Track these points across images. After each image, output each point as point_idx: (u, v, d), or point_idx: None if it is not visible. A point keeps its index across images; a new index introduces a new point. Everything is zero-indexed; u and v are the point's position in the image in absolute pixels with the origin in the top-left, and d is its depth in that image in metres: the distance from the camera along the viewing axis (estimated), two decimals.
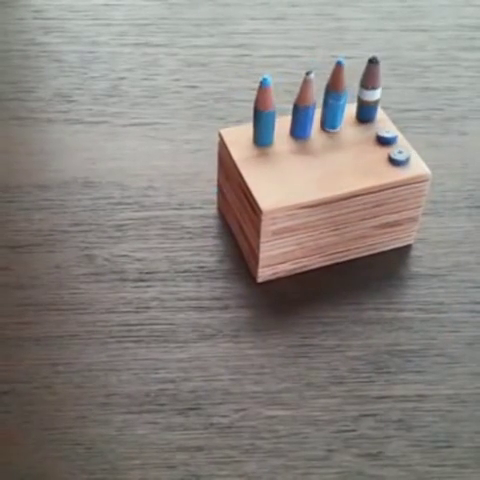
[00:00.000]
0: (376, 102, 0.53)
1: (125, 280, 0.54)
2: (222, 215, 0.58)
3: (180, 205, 0.59)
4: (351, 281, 0.54)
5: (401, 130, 0.64)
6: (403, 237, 0.56)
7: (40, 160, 0.62)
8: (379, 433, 0.47)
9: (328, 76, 0.67)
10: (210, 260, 0.55)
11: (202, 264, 0.55)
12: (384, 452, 0.47)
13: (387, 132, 0.53)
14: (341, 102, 0.52)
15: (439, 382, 0.50)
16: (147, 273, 0.54)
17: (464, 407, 0.49)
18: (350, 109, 0.55)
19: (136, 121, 0.65)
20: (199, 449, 0.46)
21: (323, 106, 0.53)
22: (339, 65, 0.51)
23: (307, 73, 0.50)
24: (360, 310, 0.53)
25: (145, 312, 0.52)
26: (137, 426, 0.47)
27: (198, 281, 0.54)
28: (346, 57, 0.70)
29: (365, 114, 0.54)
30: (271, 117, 0.51)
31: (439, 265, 0.55)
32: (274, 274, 0.54)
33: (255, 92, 0.67)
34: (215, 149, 0.63)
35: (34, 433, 0.47)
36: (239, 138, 0.53)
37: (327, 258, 0.54)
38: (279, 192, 0.50)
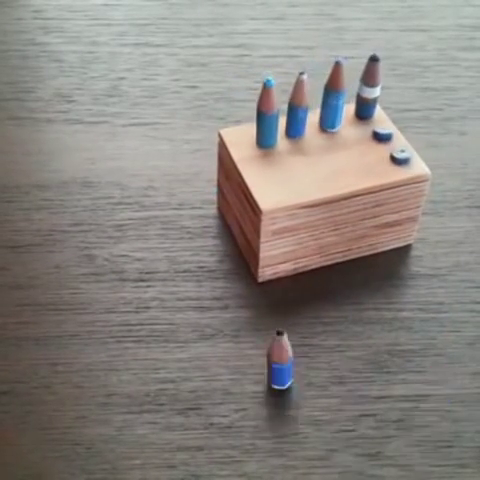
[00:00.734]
0: (375, 99, 0.54)
1: (125, 280, 0.54)
2: (222, 215, 0.58)
3: (180, 205, 0.59)
4: (351, 281, 0.54)
5: (401, 130, 0.64)
6: (403, 237, 0.55)
7: (40, 160, 0.61)
8: (379, 433, 0.47)
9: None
10: (210, 260, 0.55)
11: (202, 264, 0.55)
12: (384, 452, 0.47)
13: (383, 128, 0.53)
14: (340, 102, 0.52)
15: (439, 382, 0.50)
16: (147, 273, 0.54)
17: (464, 407, 0.48)
18: (348, 108, 0.55)
19: (136, 121, 0.65)
20: (199, 449, 0.46)
21: (322, 106, 0.53)
22: (338, 65, 0.51)
23: (301, 73, 0.51)
24: (360, 310, 0.53)
25: (145, 312, 0.52)
26: (137, 426, 0.47)
27: (198, 281, 0.54)
28: (346, 57, 0.70)
29: (364, 111, 0.54)
30: (274, 119, 0.51)
31: (439, 265, 0.55)
32: (274, 274, 0.54)
33: (255, 92, 0.67)
34: (215, 149, 0.62)
35: (33, 433, 0.47)
36: (239, 138, 0.53)
37: (327, 258, 0.54)
38: (279, 192, 0.50)
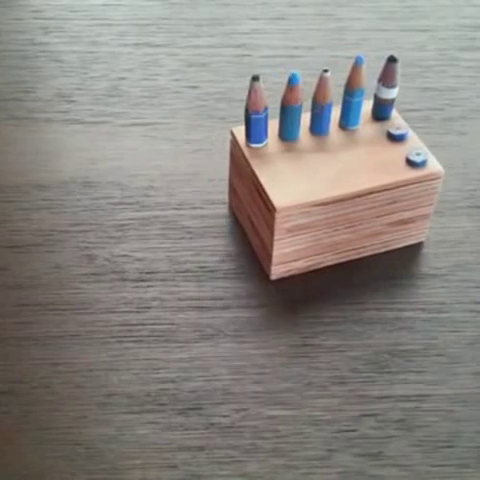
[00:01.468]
0: (393, 100, 0.54)
1: (125, 280, 0.54)
2: (233, 213, 0.58)
3: (180, 205, 0.58)
4: (353, 281, 0.54)
5: None
6: (416, 234, 0.56)
7: (40, 160, 0.61)
8: (380, 433, 0.47)
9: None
10: (211, 260, 0.55)
11: (203, 264, 0.55)
12: (385, 452, 0.47)
13: (398, 129, 0.53)
14: (358, 100, 0.53)
15: (440, 382, 0.49)
16: (147, 273, 0.54)
17: (465, 407, 0.48)
18: (366, 107, 0.55)
19: (136, 121, 0.65)
20: (200, 449, 0.46)
21: (342, 104, 0.53)
22: (357, 63, 0.51)
23: (324, 70, 0.51)
24: (361, 310, 0.53)
25: (146, 312, 0.52)
26: (138, 426, 0.47)
27: (199, 281, 0.54)
28: (346, 57, 0.70)
29: (381, 112, 0.54)
30: (298, 111, 0.52)
31: (440, 265, 0.55)
32: (287, 272, 0.54)
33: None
34: (215, 149, 0.62)
35: (33, 433, 0.47)
36: None
37: (340, 255, 0.54)
38: (293, 189, 0.50)
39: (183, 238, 0.56)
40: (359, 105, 0.53)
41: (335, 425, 0.48)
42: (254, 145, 0.53)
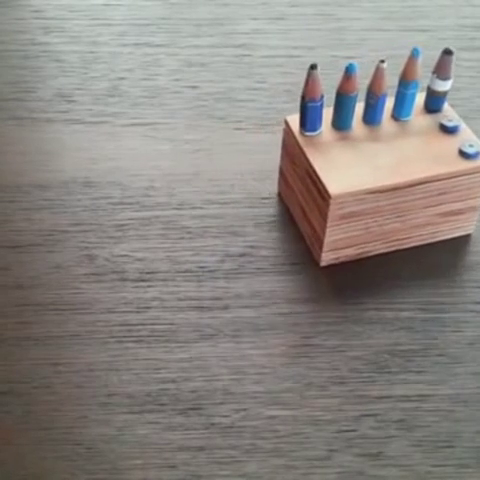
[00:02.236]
0: (445, 93, 0.54)
1: (125, 280, 0.54)
2: (282, 201, 0.58)
3: (180, 205, 0.59)
4: (354, 281, 0.54)
5: None
6: (465, 226, 0.56)
7: (40, 160, 0.61)
8: (380, 433, 0.47)
9: (329, 76, 0.67)
10: (211, 260, 0.55)
11: (203, 264, 0.55)
12: (385, 452, 0.47)
13: (450, 121, 0.54)
14: (412, 92, 0.53)
15: (440, 382, 0.49)
16: (148, 273, 0.54)
17: (465, 407, 0.48)
18: (419, 99, 0.56)
19: (136, 121, 0.65)
20: (200, 449, 0.46)
21: (396, 95, 0.54)
22: (413, 55, 0.52)
23: (381, 61, 0.51)
24: (361, 310, 0.53)
25: (146, 312, 0.52)
26: (138, 426, 0.47)
27: (199, 281, 0.54)
28: (346, 57, 0.70)
29: (434, 104, 0.55)
30: (353, 101, 0.53)
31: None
32: (336, 259, 0.55)
33: (255, 92, 0.67)
34: (215, 149, 0.62)
35: (34, 433, 0.47)
36: None
37: (389, 244, 0.55)
38: (347, 177, 0.51)
39: (183, 238, 0.56)
40: (413, 97, 0.54)
41: (335, 425, 0.48)
42: (308, 133, 0.53)
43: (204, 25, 0.74)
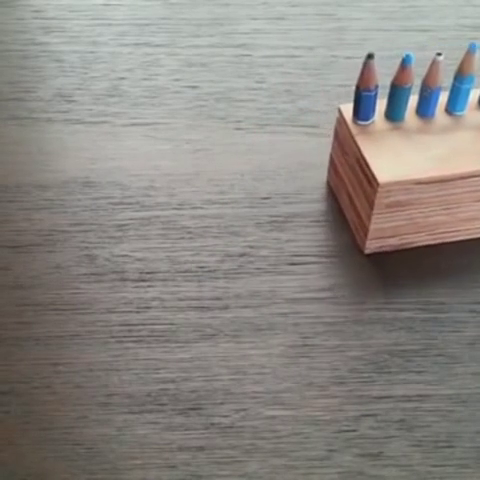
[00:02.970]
0: None
1: (126, 280, 0.54)
2: (331, 190, 0.59)
3: (181, 205, 0.59)
4: (353, 281, 0.54)
5: None
6: None
7: (40, 160, 0.61)
8: (380, 433, 0.47)
9: (329, 76, 0.67)
10: (211, 260, 0.55)
11: (203, 264, 0.55)
12: (385, 452, 0.47)
13: None
14: (467, 86, 0.53)
15: (440, 382, 0.50)
16: (148, 273, 0.54)
17: (465, 407, 0.48)
18: (474, 95, 0.56)
19: (136, 121, 0.65)
20: (200, 449, 0.46)
21: (451, 89, 0.54)
22: (470, 50, 0.53)
23: (438, 54, 0.52)
24: (361, 310, 0.53)
25: (146, 312, 0.52)
26: (138, 426, 0.47)
27: (199, 281, 0.54)
28: (346, 57, 0.70)
29: None
30: (408, 92, 0.53)
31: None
32: (381, 248, 0.55)
33: (255, 92, 0.67)
34: (215, 149, 0.62)
35: (34, 433, 0.47)
36: None
37: (434, 237, 0.55)
38: (396, 166, 0.51)
39: (183, 238, 0.56)
40: (467, 92, 0.54)
41: (335, 425, 0.48)
42: (361, 122, 0.54)
43: (204, 25, 0.74)
